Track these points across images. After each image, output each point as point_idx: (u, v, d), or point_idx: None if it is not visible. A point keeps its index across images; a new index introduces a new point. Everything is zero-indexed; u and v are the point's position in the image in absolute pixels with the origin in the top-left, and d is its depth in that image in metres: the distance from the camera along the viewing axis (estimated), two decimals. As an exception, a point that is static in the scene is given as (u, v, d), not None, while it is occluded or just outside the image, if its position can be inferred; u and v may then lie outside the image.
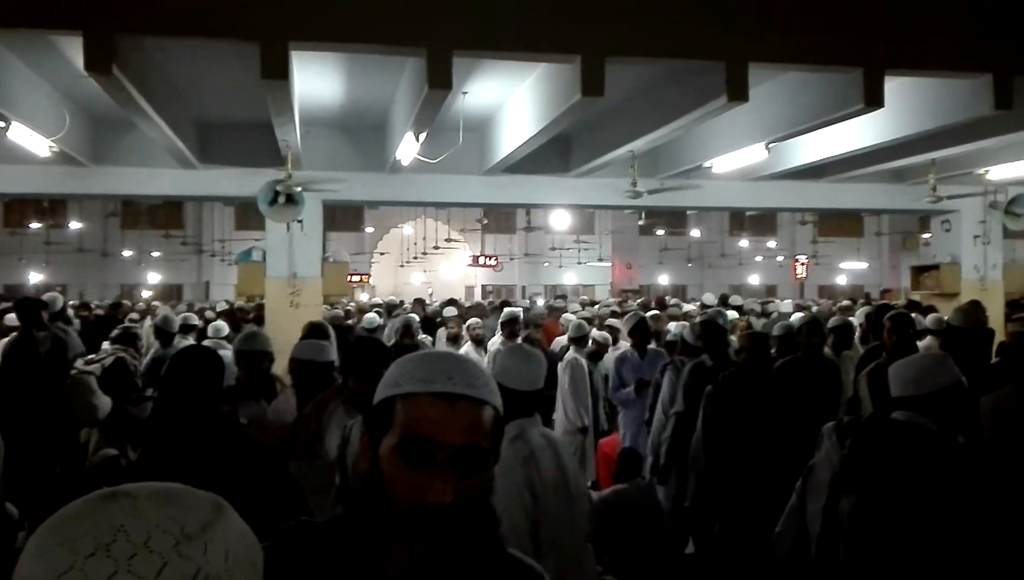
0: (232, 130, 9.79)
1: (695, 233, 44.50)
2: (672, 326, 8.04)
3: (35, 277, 39.70)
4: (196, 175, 9.91)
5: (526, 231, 42.06)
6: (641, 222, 40.23)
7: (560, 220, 25.32)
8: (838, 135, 8.57)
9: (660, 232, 44.43)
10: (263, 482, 2.72)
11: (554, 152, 10.11)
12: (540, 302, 14.13)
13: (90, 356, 7.14)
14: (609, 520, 5.40)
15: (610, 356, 8.20)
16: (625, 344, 8.19)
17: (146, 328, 9.23)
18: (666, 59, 5.86)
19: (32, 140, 7.79)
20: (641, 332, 7.31)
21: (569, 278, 44.68)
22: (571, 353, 8.05)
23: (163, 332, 8.04)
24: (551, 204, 13.94)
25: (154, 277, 42.20)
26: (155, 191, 10.37)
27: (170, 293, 40.40)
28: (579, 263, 42.16)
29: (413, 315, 10.23)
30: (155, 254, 41.36)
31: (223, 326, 9.35)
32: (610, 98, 6.09)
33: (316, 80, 8.00)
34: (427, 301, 29.09)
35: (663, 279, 44.34)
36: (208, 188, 10.35)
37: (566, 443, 3.26)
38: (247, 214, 34.28)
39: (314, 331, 6.46)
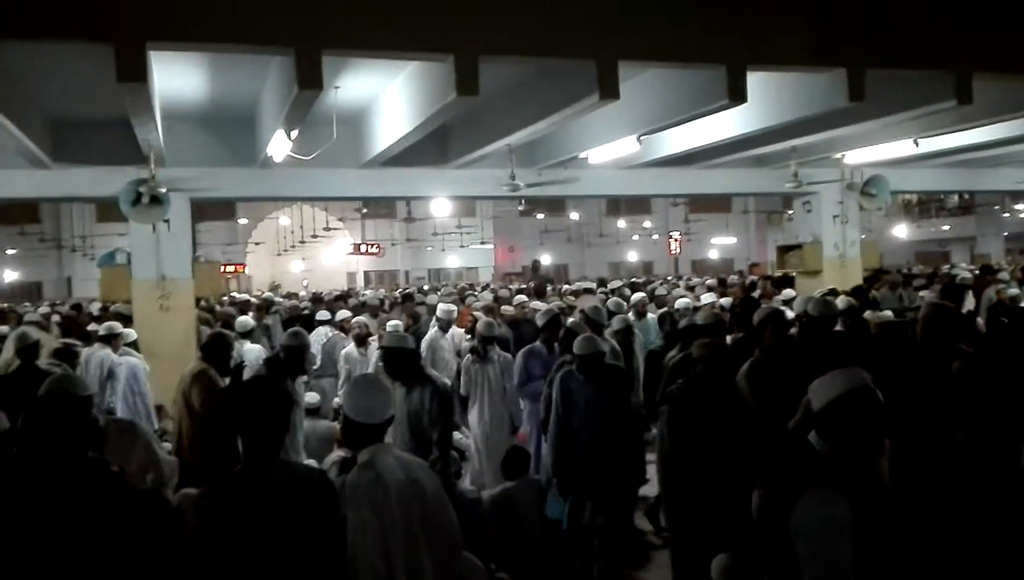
0: (88, 128, 9.25)
1: (574, 215, 45.32)
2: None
3: None
4: (50, 175, 9.31)
5: (407, 222, 41.71)
6: (521, 208, 40.56)
7: (441, 206, 25.17)
8: (706, 126, 8.83)
9: (540, 215, 45.01)
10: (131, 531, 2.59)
11: (432, 144, 10.01)
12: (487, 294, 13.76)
13: None
14: (498, 520, 5.44)
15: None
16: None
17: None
18: (539, 58, 5.88)
19: None
20: (553, 329, 7.28)
21: (452, 261, 44.66)
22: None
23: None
24: (431, 196, 13.84)
25: (10, 275, 39.67)
26: (5, 194, 9.67)
27: (29, 291, 38.04)
28: (461, 246, 42.17)
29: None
30: (10, 251, 38.83)
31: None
32: (486, 93, 6.06)
33: (177, 76, 7.64)
34: (302, 291, 28.34)
35: (545, 259, 44.91)
36: (64, 189, 9.74)
37: (421, 463, 3.37)
38: (109, 207, 32.55)
39: (215, 345, 6.07)
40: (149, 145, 8.00)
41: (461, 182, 11.05)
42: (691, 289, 15.26)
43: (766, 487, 2.57)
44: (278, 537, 2.69)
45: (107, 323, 8.61)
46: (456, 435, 6.16)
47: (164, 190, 8.74)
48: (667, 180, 12.15)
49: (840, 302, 6.92)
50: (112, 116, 8.28)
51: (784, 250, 13.96)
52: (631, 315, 9.00)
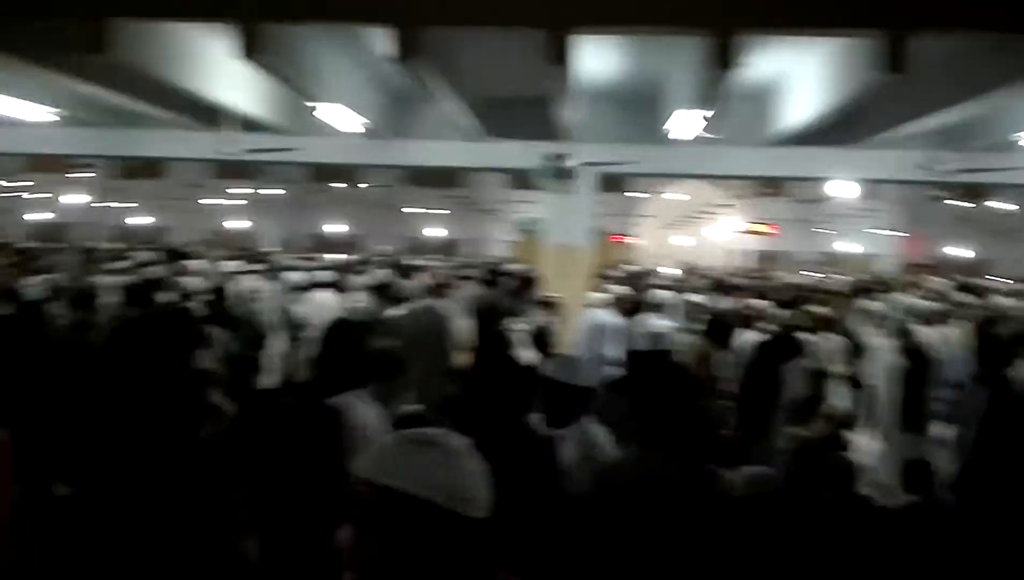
0: (515, 106, 10.22)
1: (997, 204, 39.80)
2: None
3: (335, 228, 44.22)
4: (480, 147, 10.50)
5: (803, 202, 39.86)
6: (936, 193, 36.63)
7: (844, 188, 23.62)
8: None
9: (955, 202, 40.23)
10: None
11: (838, 122, 9.49)
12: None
13: None
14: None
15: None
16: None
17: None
18: (978, 33, 5.30)
19: (342, 117, 8.67)
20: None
21: (850, 246, 41.94)
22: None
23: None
24: (834, 177, 13.13)
25: (436, 232, 45.27)
26: (444, 162, 11.14)
27: (449, 247, 43.18)
28: (860, 231, 39.37)
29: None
30: (438, 211, 44.32)
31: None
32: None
33: (595, 57, 8.12)
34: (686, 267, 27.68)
35: (957, 251, 40.21)
36: (490, 160, 10.94)
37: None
38: (521, 176, 35.57)
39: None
40: (567, 122, 8.63)
41: (869, 163, 10.35)
42: None
43: None
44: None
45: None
46: None
47: (576, 164, 9.39)
48: None
49: None
50: (534, 95, 9.08)
51: None
52: None
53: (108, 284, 6.90)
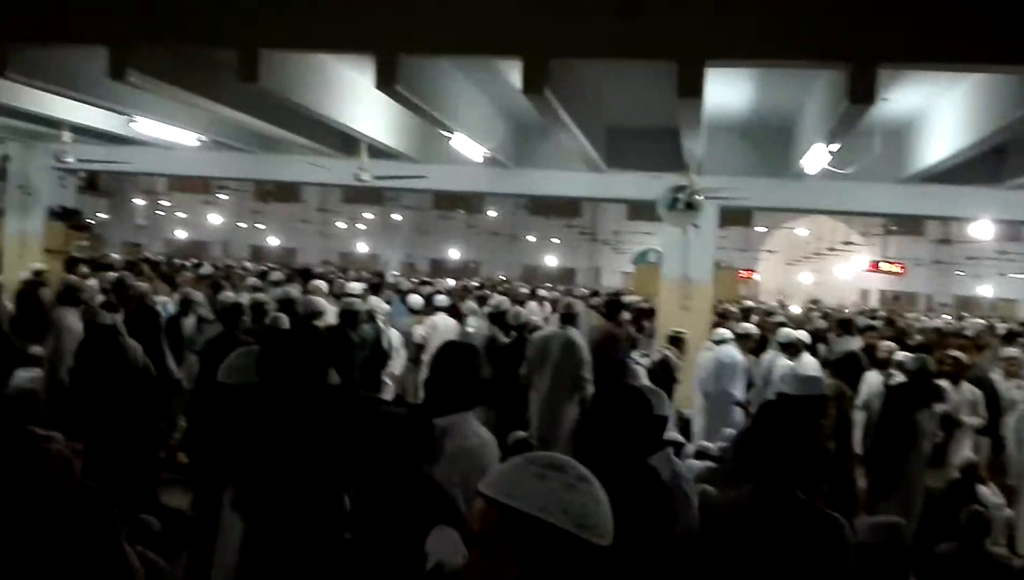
0: (637, 136, 10.20)
1: None
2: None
3: (454, 254, 45.12)
4: (602, 178, 10.50)
5: (939, 243, 38.02)
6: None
7: (983, 229, 22.36)
8: None
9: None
10: None
11: (983, 160, 9.03)
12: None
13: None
14: None
15: None
16: None
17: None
18: None
19: (469, 147, 8.86)
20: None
21: (986, 290, 39.70)
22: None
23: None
24: (974, 217, 12.48)
25: (552, 260, 45.49)
26: (565, 192, 11.21)
27: (565, 276, 43.28)
28: (1000, 274, 37.25)
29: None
30: (555, 240, 44.59)
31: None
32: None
33: (724, 89, 8.03)
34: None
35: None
36: (612, 190, 10.93)
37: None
38: (639, 207, 35.44)
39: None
40: (692, 154, 8.55)
41: (1015, 203, 9.79)
42: None
43: None
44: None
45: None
46: None
47: (699, 197, 9.27)
48: None
49: None
50: (660, 126, 9.04)
51: None
52: None
53: (243, 301, 7.24)
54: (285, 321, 6.89)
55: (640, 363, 7.81)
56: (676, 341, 8.69)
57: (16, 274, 9.88)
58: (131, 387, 5.88)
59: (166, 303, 8.97)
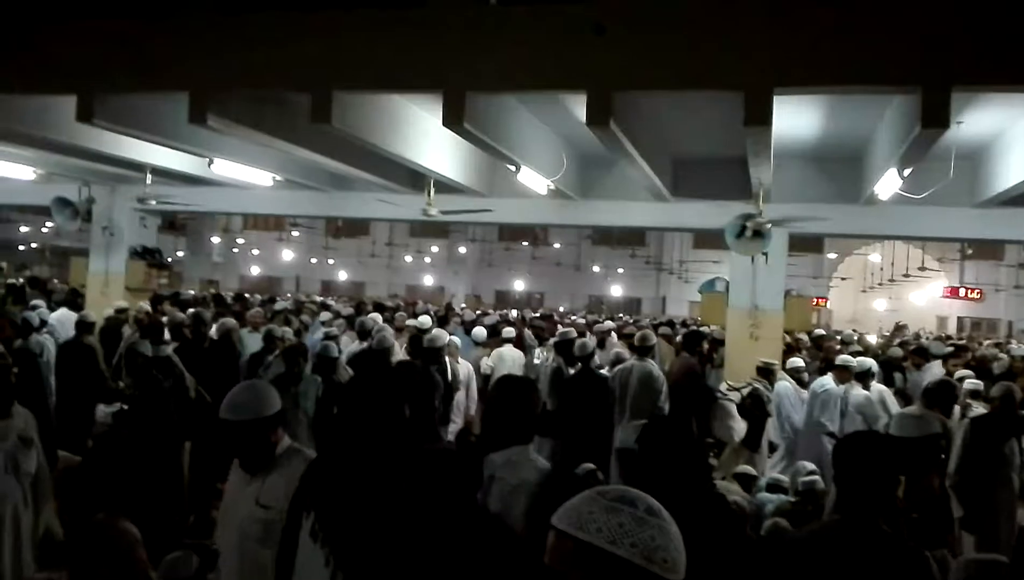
0: (703, 165, 10.14)
1: None
2: None
3: (519, 285, 45.24)
4: (667, 207, 10.45)
5: (1020, 268, 36.66)
6: None
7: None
8: None
9: None
10: None
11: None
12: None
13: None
14: None
15: None
16: None
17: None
18: None
19: (534, 179, 8.94)
20: None
21: (1071, 316, 38.04)
22: None
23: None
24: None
25: (617, 290, 45.25)
26: (631, 222, 11.18)
27: (630, 306, 42.98)
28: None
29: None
30: (620, 270, 44.36)
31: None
32: None
33: (793, 116, 7.96)
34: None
35: None
36: (678, 220, 10.86)
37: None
38: (704, 236, 35.11)
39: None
40: (760, 182, 8.46)
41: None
42: None
43: None
44: None
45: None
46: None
47: (768, 225, 9.16)
48: None
49: None
50: (726, 155, 8.98)
51: None
52: None
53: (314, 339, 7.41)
54: (334, 349, 7.17)
55: (729, 398, 7.74)
56: (766, 373, 8.56)
57: (99, 312, 10.26)
58: (184, 417, 6.20)
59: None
